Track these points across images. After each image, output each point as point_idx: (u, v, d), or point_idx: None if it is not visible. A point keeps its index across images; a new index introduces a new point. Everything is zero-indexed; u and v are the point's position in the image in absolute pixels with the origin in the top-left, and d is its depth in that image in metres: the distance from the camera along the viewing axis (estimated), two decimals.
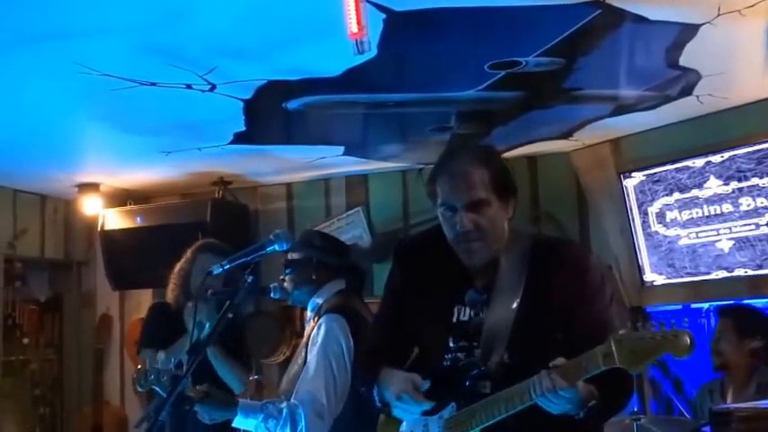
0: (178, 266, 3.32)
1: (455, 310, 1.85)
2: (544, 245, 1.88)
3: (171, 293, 3.33)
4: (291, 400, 2.42)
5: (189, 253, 3.33)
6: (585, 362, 1.56)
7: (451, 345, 1.82)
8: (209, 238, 3.43)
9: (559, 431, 1.67)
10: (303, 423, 2.36)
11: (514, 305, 1.77)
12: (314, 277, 2.61)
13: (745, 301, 3.58)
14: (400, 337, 1.96)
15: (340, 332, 2.47)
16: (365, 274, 2.75)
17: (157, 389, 2.71)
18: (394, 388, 1.81)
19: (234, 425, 2.42)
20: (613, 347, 1.52)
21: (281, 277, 2.66)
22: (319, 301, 2.61)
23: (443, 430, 1.78)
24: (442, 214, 1.83)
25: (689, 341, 1.48)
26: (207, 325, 2.97)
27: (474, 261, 1.83)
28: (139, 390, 2.86)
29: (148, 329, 3.37)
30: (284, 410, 2.37)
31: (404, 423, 1.87)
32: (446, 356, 1.82)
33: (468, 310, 1.84)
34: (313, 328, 2.53)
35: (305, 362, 2.50)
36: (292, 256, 2.63)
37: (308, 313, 2.66)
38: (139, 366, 2.89)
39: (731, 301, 3.64)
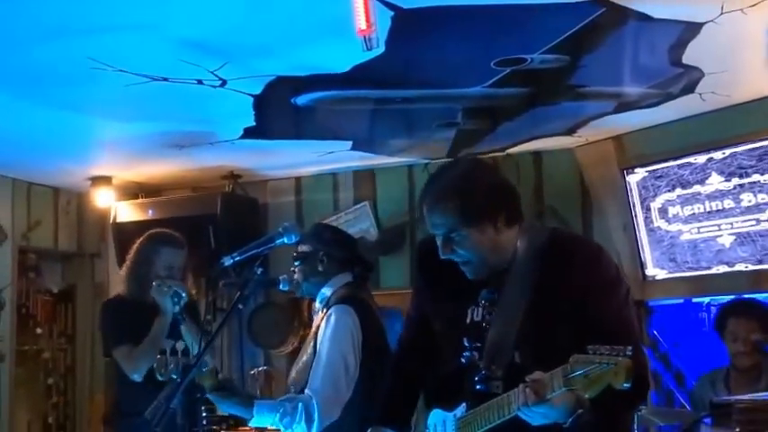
0: (134, 258, 3.21)
1: (469, 311, 1.86)
2: (559, 240, 1.84)
3: (126, 285, 3.20)
4: (306, 390, 2.45)
5: (144, 244, 3.21)
6: (550, 380, 1.55)
7: (466, 344, 1.84)
8: (161, 229, 3.31)
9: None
10: (317, 414, 2.38)
11: (523, 304, 1.76)
12: (322, 269, 2.64)
13: (746, 296, 3.62)
14: (426, 333, 2.00)
15: (350, 322, 2.50)
16: (372, 266, 2.77)
17: (176, 378, 2.65)
18: None
19: (250, 424, 2.44)
20: (572, 368, 1.50)
21: (292, 269, 2.69)
22: (328, 292, 2.64)
23: (456, 429, 1.83)
24: None
25: (624, 376, 1.44)
26: (183, 294, 2.93)
27: (471, 278, 1.84)
28: (160, 379, 2.79)
29: (115, 326, 3.17)
30: (299, 405, 2.39)
31: (429, 416, 1.93)
32: (463, 355, 1.84)
33: (481, 310, 1.85)
34: (322, 319, 2.57)
35: (315, 351, 2.53)
36: (302, 248, 2.66)
37: (317, 304, 2.69)
38: (160, 356, 2.86)
39: (732, 298, 3.64)
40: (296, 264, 2.68)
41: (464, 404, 1.81)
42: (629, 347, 1.46)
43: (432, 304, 1.98)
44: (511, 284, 1.80)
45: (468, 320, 1.85)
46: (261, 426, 2.53)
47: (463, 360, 1.83)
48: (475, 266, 1.81)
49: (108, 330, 3.25)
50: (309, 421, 2.38)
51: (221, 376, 2.30)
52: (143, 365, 2.98)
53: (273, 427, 2.47)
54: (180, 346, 2.99)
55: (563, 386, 1.52)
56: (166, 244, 3.18)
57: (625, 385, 1.44)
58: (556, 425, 1.61)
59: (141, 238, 3.26)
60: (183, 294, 2.93)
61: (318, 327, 2.57)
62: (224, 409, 2.36)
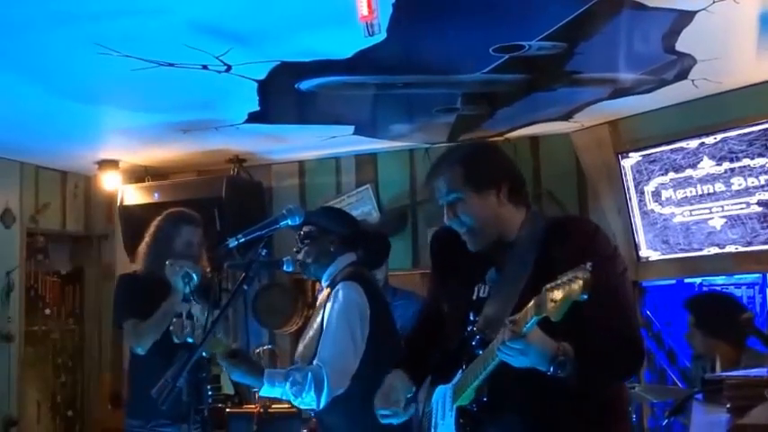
0: (153, 235, 3.17)
1: (476, 288, 1.94)
2: (558, 222, 1.94)
3: (144, 263, 3.16)
4: (314, 361, 2.48)
5: (164, 222, 3.18)
6: (524, 314, 1.61)
7: (471, 319, 1.90)
8: (179, 208, 3.27)
9: (557, 395, 1.69)
10: (327, 383, 2.42)
11: (523, 279, 1.81)
12: (326, 250, 2.67)
13: (735, 276, 3.71)
14: (437, 317, 2.10)
15: (357, 297, 2.54)
16: (384, 244, 2.75)
17: (191, 341, 2.63)
18: (381, 389, 2.06)
19: (260, 394, 2.48)
20: (545, 296, 1.55)
21: (295, 250, 2.72)
22: (333, 271, 2.67)
23: (452, 393, 1.89)
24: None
25: (582, 287, 1.49)
26: (194, 276, 2.91)
27: (472, 249, 1.93)
28: (175, 341, 2.74)
29: (126, 300, 3.16)
30: (308, 375, 2.42)
31: (434, 394, 1.99)
32: (467, 329, 1.90)
33: (487, 287, 1.92)
34: (328, 296, 2.61)
35: (321, 326, 2.57)
36: (306, 230, 2.69)
37: (323, 283, 2.72)
38: (176, 319, 2.81)
39: (716, 286, 3.75)
40: (301, 245, 2.71)
41: (460, 372, 1.87)
42: (589, 264, 1.52)
43: (443, 287, 2.08)
44: (513, 261, 1.87)
45: (474, 297, 1.93)
46: (268, 396, 2.57)
47: (465, 334, 1.90)
48: (476, 235, 1.90)
49: (118, 303, 3.28)
50: (319, 390, 2.42)
51: (234, 344, 2.31)
52: (147, 340, 2.98)
53: (283, 398, 2.49)
54: (195, 310, 2.99)
55: (534, 314, 1.57)
56: (186, 222, 3.19)
57: (583, 296, 1.50)
58: (539, 373, 1.64)
59: (160, 217, 3.23)
60: (194, 276, 2.93)
61: (324, 303, 2.61)
62: (234, 377, 2.37)
